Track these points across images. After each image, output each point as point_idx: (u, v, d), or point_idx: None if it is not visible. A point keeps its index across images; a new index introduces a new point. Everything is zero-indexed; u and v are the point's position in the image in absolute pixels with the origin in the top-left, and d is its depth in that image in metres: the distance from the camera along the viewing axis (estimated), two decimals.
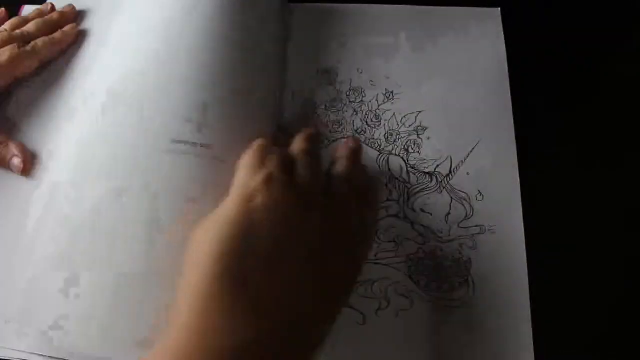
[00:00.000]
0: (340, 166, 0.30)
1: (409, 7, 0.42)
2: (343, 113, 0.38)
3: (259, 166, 0.27)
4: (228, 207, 0.26)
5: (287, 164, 0.28)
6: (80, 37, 0.41)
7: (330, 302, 0.27)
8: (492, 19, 0.41)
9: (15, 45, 0.37)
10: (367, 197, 0.30)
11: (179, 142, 0.31)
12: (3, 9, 0.43)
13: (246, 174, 0.27)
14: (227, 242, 0.24)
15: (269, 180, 0.26)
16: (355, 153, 0.32)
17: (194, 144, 0.31)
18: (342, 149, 0.32)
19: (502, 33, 0.40)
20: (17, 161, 0.34)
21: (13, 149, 0.35)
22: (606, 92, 0.39)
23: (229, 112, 0.33)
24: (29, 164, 0.35)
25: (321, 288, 0.26)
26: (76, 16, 0.42)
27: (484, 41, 0.40)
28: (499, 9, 0.41)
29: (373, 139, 0.37)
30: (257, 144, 0.29)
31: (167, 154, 0.31)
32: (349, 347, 0.31)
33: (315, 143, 0.32)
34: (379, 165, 0.36)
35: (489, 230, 0.34)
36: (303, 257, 0.25)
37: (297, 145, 0.31)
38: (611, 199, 0.35)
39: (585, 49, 0.41)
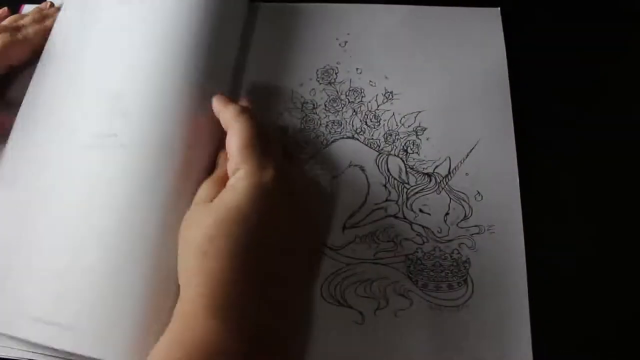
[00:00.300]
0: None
1: (409, 7, 0.42)
2: (342, 113, 0.38)
3: (264, 159, 0.29)
4: (242, 196, 0.27)
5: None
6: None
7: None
8: (492, 19, 0.41)
9: (7, 34, 0.38)
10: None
11: (98, 136, 0.33)
12: (5, 8, 0.43)
13: (252, 166, 0.28)
14: (245, 234, 0.26)
15: (278, 173, 0.29)
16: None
17: (111, 136, 0.33)
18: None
19: (502, 33, 0.40)
20: None
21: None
22: (606, 92, 0.39)
23: (144, 103, 0.34)
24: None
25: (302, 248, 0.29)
26: None
27: (483, 41, 0.40)
28: (499, 9, 0.41)
29: (372, 139, 0.37)
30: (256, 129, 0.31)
31: (87, 149, 0.33)
32: (347, 347, 0.31)
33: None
34: (378, 166, 0.36)
35: (487, 230, 0.34)
36: (310, 250, 0.29)
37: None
38: (611, 199, 0.35)
39: (585, 49, 0.40)
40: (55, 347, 0.29)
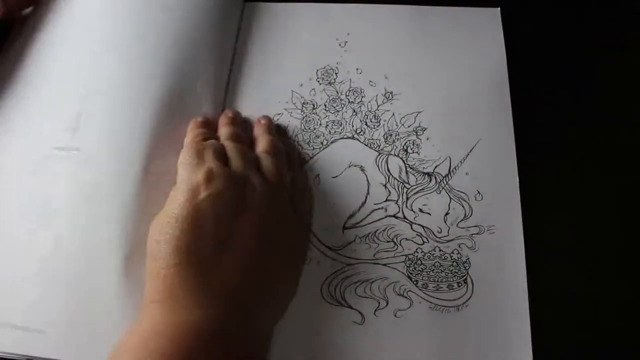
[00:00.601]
0: (261, 143, 0.35)
1: (409, 7, 0.42)
2: (342, 113, 0.38)
3: (197, 162, 0.31)
4: (177, 205, 0.29)
5: (221, 153, 0.32)
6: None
7: (286, 271, 0.31)
8: (492, 19, 0.41)
9: None
10: (290, 161, 0.35)
11: (59, 148, 0.34)
12: None
13: (188, 171, 0.30)
14: (180, 236, 0.27)
15: (210, 175, 0.29)
16: (267, 127, 0.36)
17: (71, 149, 0.34)
18: (256, 128, 0.37)
19: (502, 33, 0.40)
20: None
21: None
22: (606, 92, 0.39)
23: (105, 119, 0.35)
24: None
25: (273, 258, 0.30)
26: None
27: (483, 41, 0.40)
28: (499, 9, 0.41)
29: (372, 139, 0.37)
30: (190, 140, 0.33)
31: (48, 159, 0.34)
32: (347, 347, 0.31)
33: (237, 123, 0.37)
34: (378, 166, 0.36)
35: (487, 230, 0.34)
36: (247, 233, 0.29)
37: (223, 131, 0.35)
38: (611, 199, 0.35)
39: (585, 49, 0.40)
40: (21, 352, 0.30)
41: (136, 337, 0.26)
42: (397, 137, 0.37)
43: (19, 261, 0.32)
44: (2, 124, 0.36)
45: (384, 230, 0.34)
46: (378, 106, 0.38)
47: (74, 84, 0.36)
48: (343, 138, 0.37)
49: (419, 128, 0.37)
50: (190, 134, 0.35)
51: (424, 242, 0.34)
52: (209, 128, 0.36)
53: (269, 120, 0.38)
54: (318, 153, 0.37)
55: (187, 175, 0.30)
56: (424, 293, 0.32)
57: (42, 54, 0.38)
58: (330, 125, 0.38)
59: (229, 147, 0.33)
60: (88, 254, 0.31)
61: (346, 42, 0.41)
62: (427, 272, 0.33)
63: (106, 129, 0.34)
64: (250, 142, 0.36)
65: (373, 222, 0.35)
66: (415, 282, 0.33)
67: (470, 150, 0.36)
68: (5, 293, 0.32)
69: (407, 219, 0.35)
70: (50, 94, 0.36)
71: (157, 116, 0.35)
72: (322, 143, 0.37)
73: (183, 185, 0.30)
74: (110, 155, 0.34)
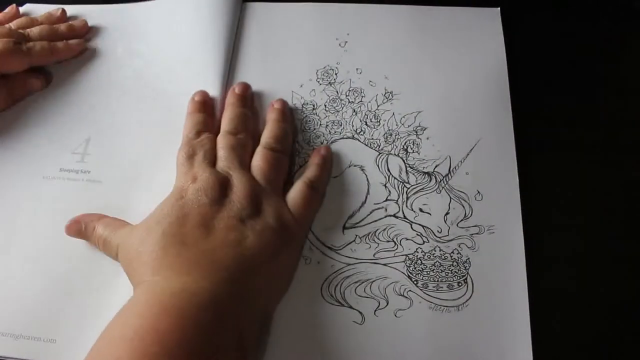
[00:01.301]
0: (266, 133, 0.36)
1: (409, 7, 0.42)
2: (342, 113, 0.38)
3: (187, 169, 0.33)
4: (166, 203, 0.31)
5: (212, 154, 0.34)
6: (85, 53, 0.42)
7: (275, 253, 0.31)
8: (492, 19, 0.41)
9: (11, 41, 0.38)
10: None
11: (65, 170, 0.37)
12: (14, 5, 0.43)
13: (179, 178, 0.33)
14: (167, 226, 0.30)
15: (194, 180, 0.32)
16: (279, 114, 0.37)
17: (78, 172, 0.37)
18: (269, 112, 0.38)
19: (502, 33, 0.40)
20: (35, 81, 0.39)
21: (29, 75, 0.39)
22: (606, 92, 0.39)
23: (110, 144, 0.38)
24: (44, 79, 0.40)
25: (254, 246, 0.30)
26: (86, 32, 0.42)
27: (483, 41, 0.40)
28: (499, 9, 0.41)
29: (372, 139, 0.37)
30: (187, 134, 0.35)
31: (54, 180, 0.37)
32: (347, 347, 0.31)
33: (245, 103, 0.38)
34: (378, 166, 0.36)
35: (487, 230, 0.34)
36: (227, 224, 0.30)
37: (226, 117, 0.37)
38: (611, 199, 0.35)
39: (585, 49, 0.40)
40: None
41: (125, 310, 0.27)
42: (397, 136, 0.37)
43: (28, 274, 0.33)
44: (10, 145, 0.38)
45: (384, 230, 0.34)
46: (378, 106, 0.38)
47: (83, 112, 0.39)
48: (343, 138, 0.37)
49: (419, 128, 0.37)
50: (188, 122, 0.37)
51: (424, 241, 0.34)
52: (207, 111, 0.37)
53: (282, 105, 0.38)
54: None
55: (178, 183, 0.33)
56: (424, 293, 0.32)
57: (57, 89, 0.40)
58: (330, 125, 0.38)
59: (221, 144, 0.35)
60: (98, 269, 0.33)
61: (346, 42, 0.41)
62: (427, 271, 0.33)
63: (114, 152, 0.37)
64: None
65: (373, 221, 0.35)
66: (415, 282, 0.33)
67: (471, 150, 0.36)
68: (16, 304, 0.33)
69: (407, 219, 0.35)
70: (60, 119, 0.39)
71: (162, 132, 0.38)
72: (322, 143, 0.37)
73: (175, 186, 0.33)
74: (118, 178, 0.36)
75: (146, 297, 0.27)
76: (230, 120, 0.36)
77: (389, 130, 0.37)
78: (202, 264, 0.29)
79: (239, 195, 0.32)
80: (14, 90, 0.39)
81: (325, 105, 0.39)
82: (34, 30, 0.40)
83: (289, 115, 0.38)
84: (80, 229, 0.34)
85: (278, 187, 0.34)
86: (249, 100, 0.38)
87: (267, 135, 0.36)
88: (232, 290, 0.28)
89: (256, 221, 0.31)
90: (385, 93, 0.39)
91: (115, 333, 0.26)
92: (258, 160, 0.34)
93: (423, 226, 0.34)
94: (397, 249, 0.34)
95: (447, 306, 0.32)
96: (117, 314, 0.27)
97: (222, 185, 0.32)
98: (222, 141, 0.35)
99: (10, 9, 0.42)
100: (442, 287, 0.33)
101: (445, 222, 0.34)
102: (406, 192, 0.35)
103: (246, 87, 0.39)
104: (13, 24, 0.41)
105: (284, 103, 0.38)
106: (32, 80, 0.39)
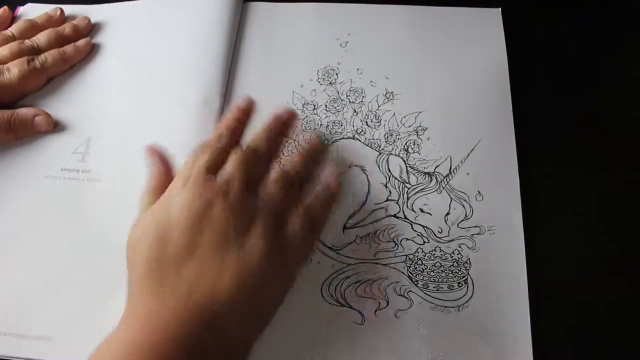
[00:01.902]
0: (289, 163, 0.32)
1: (410, 7, 0.42)
2: (343, 113, 0.38)
3: (182, 177, 0.30)
4: (152, 211, 0.29)
5: (213, 164, 0.30)
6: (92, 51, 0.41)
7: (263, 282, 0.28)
8: (492, 19, 0.41)
9: (25, 60, 0.37)
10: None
11: (66, 169, 0.37)
12: (5, 7, 0.42)
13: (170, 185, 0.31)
14: (153, 243, 0.28)
15: (184, 185, 0.29)
16: (309, 152, 0.33)
17: (79, 171, 0.37)
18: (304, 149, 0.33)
19: (502, 33, 0.40)
20: (41, 119, 0.38)
21: (32, 110, 0.38)
22: (606, 92, 0.39)
23: (111, 144, 0.38)
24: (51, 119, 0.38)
25: (243, 266, 0.28)
26: (90, 30, 0.42)
27: (484, 41, 0.40)
28: (499, 9, 0.41)
29: (373, 139, 0.37)
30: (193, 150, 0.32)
31: (55, 179, 0.37)
32: (347, 347, 0.31)
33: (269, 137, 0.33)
34: (379, 166, 0.36)
35: (488, 230, 0.34)
36: (214, 241, 0.28)
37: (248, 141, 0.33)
38: (611, 198, 0.35)
39: (585, 49, 0.40)
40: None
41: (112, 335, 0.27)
42: (397, 137, 0.37)
43: (27, 272, 0.34)
44: (12, 144, 0.38)
45: (384, 230, 0.34)
46: (379, 106, 0.38)
47: (84, 112, 0.39)
48: (344, 138, 0.37)
49: (420, 128, 0.37)
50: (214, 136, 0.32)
51: (424, 242, 0.34)
52: (237, 126, 0.33)
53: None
54: None
55: (173, 184, 0.31)
56: (425, 293, 0.32)
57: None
58: (330, 125, 0.38)
59: (232, 157, 0.31)
60: (97, 266, 0.34)
61: (347, 42, 0.41)
62: (427, 272, 0.33)
63: (115, 151, 0.37)
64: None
65: (373, 222, 0.35)
66: (415, 282, 0.33)
67: (471, 150, 0.36)
68: (15, 302, 0.33)
69: (407, 219, 0.35)
70: (61, 119, 0.39)
71: (162, 132, 0.37)
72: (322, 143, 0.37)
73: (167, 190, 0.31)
74: (119, 177, 0.36)
75: (131, 319, 0.27)
76: (248, 149, 0.32)
77: (390, 130, 0.37)
78: (182, 295, 0.27)
79: (222, 214, 0.29)
80: (20, 132, 0.38)
81: (325, 105, 0.39)
82: (40, 39, 0.40)
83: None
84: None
85: None
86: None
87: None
88: (211, 327, 0.27)
89: (240, 251, 0.28)
90: (386, 93, 0.39)
91: None
92: (269, 191, 0.30)
93: (423, 226, 0.34)
94: (397, 249, 0.34)
95: (447, 306, 0.32)
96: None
97: (210, 198, 0.29)
98: (232, 156, 0.31)
99: (3, 11, 0.42)
100: (442, 288, 0.33)
101: (446, 222, 0.34)
102: (407, 192, 0.35)
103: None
104: (15, 31, 0.40)
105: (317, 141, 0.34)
106: (39, 120, 0.38)
